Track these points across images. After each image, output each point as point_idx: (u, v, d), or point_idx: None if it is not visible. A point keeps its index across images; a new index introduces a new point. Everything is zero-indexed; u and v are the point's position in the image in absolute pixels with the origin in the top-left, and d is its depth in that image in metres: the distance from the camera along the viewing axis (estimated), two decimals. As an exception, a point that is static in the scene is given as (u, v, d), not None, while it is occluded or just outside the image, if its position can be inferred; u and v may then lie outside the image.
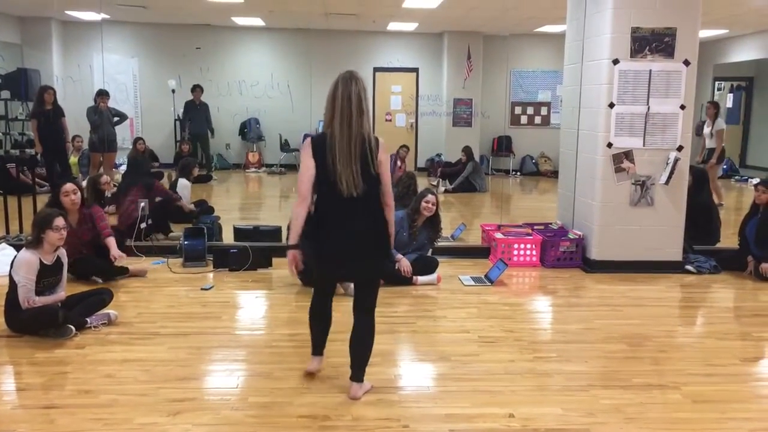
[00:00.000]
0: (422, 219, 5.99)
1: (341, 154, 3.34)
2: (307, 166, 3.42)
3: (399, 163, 11.87)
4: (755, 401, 3.72)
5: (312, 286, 5.47)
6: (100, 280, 5.69)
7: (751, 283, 6.15)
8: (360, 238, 3.46)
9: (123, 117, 11.21)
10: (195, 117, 12.98)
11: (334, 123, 3.39)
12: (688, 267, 6.44)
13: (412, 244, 5.98)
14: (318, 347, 3.86)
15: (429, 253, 6.25)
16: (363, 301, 3.61)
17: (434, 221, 6.08)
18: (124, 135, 14.09)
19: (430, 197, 5.97)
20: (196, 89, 13.10)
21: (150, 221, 7.02)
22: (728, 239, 7.29)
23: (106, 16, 12.66)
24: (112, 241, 5.66)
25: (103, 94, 10.72)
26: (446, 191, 11.72)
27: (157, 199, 7.53)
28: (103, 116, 10.56)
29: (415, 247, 6.00)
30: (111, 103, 11.25)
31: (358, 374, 3.61)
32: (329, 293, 3.82)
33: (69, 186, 5.61)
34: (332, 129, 3.39)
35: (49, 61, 13.24)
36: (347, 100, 3.37)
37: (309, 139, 3.48)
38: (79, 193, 5.63)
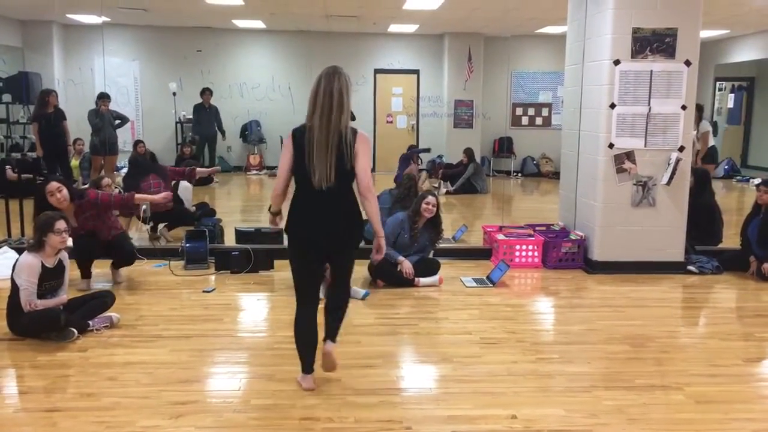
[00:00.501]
0: (423, 221, 5.98)
1: (318, 148, 3.42)
2: (287, 159, 3.56)
3: (412, 163, 11.87)
4: (758, 402, 3.71)
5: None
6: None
7: (753, 283, 6.15)
8: (331, 229, 3.57)
9: (124, 120, 11.22)
10: (204, 120, 13.04)
11: (314, 117, 3.45)
12: (690, 267, 6.43)
13: (414, 246, 5.97)
14: (310, 365, 3.76)
15: (430, 255, 6.25)
16: (337, 276, 3.83)
17: (435, 222, 6.07)
18: (125, 138, 14.09)
19: (430, 199, 5.96)
20: (206, 92, 13.20)
21: (151, 223, 7.02)
22: (730, 240, 7.28)
23: (107, 20, 12.68)
24: (142, 197, 5.98)
25: (104, 97, 10.74)
26: (447, 193, 11.72)
27: (174, 182, 7.63)
28: (104, 119, 10.58)
29: (416, 249, 5.99)
30: (112, 106, 11.26)
31: (331, 334, 3.79)
32: (313, 299, 3.74)
33: (52, 185, 5.39)
34: (312, 123, 3.46)
35: (50, 65, 13.25)
36: (328, 96, 3.43)
37: (291, 132, 3.57)
38: (64, 190, 5.41)
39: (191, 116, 13.70)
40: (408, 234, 5.93)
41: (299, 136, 3.51)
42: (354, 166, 3.49)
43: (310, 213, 3.57)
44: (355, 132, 3.51)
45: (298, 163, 3.51)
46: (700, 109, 10.19)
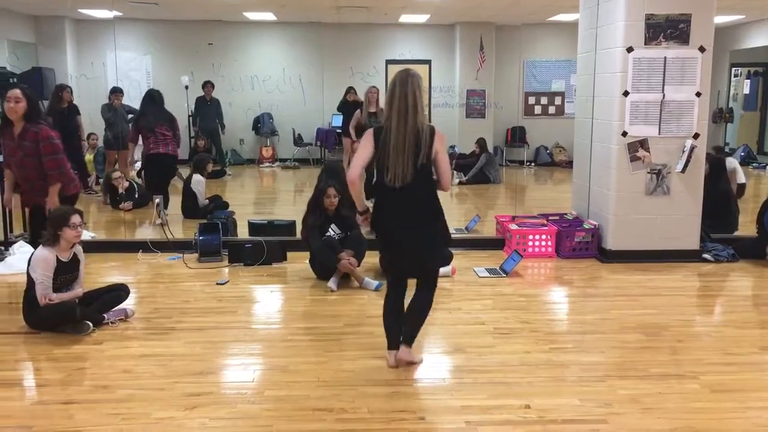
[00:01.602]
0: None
1: (394, 148, 3.63)
2: (365, 151, 3.73)
3: None
4: (775, 390, 3.69)
5: (326, 279, 5.54)
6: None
7: (769, 271, 6.09)
8: (408, 224, 3.73)
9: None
10: (206, 113, 12.99)
11: (392, 119, 3.67)
12: (706, 256, 6.38)
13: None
14: (394, 341, 3.93)
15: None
16: (425, 283, 3.93)
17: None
18: (138, 132, 14.17)
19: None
20: (207, 85, 13.11)
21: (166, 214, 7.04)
22: (745, 227, 7.21)
23: (119, 14, 12.70)
24: (53, 190, 5.08)
25: (117, 92, 10.79)
26: (460, 183, 11.67)
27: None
28: (117, 113, 10.63)
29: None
30: (125, 101, 11.31)
31: (409, 337, 3.91)
32: (402, 287, 3.94)
33: (12, 92, 4.97)
34: (390, 123, 3.67)
35: (63, 60, 13.31)
36: (403, 99, 3.64)
37: (371, 130, 3.78)
38: (23, 102, 4.97)
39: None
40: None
41: (378, 135, 3.71)
42: (431, 163, 3.70)
43: (393, 212, 3.76)
44: (432, 130, 3.69)
45: (378, 161, 3.73)
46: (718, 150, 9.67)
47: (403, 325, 3.93)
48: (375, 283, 5.52)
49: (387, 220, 3.79)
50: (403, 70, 3.75)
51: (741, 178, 9.32)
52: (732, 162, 9.23)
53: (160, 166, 8.23)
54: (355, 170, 3.73)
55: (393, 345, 3.93)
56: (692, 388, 3.66)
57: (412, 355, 3.93)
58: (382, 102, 10.42)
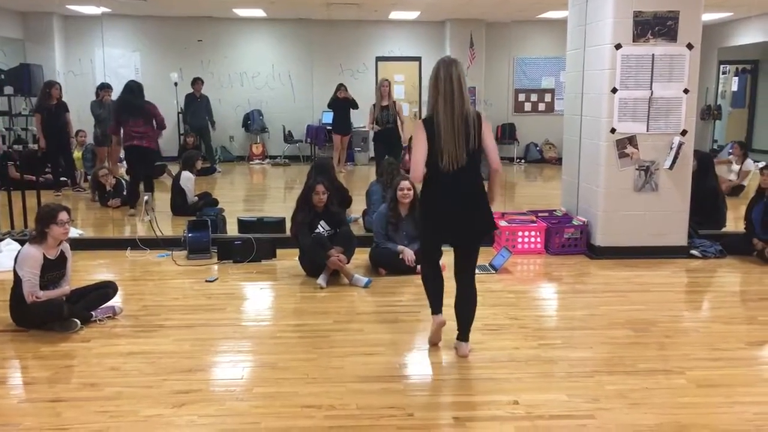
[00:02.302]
0: (405, 208, 5.86)
1: (446, 132, 3.66)
2: (421, 144, 3.72)
3: (408, 156, 11.82)
4: (761, 385, 3.71)
5: (315, 276, 5.54)
6: None
7: (757, 267, 6.13)
8: (464, 207, 3.79)
9: None
10: (195, 110, 12.91)
11: (439, 104, 3.69)
12: (693, 252, 6.42)
13: (402, 235, 5.89)
14: (438, 306, 4.07)
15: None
16: (466, 264, 4.01)
17: (414, 206, 5.81)
18: (127, 129, 14.09)
19: (403, 183, 5.81)
20: (197, 82, 13.02)
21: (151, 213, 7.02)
22: (733, 223, 7.26)
23: (107, 10, 12.61)
24: None
25: (105, 88, 10.72)
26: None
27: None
28: (107, 110, 10.56)
29: (410, 237, 5.89)
30: (113, 97, 11.24)
31: (464, 334, 4.03)
32: (437, 259, 4.14)
33: None
34: (437, 109, 3.70)
35: (51, 56, 13.22)
36: (449, 82, 3.67)
37: (421, 122, 3.76)
38: None
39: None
40: (393, 226, 5.86)
41: (430, 124, 3.71)
42: (481, 147, 3.76)
43: (444, 194, 3.77)
44: (479, 116, 3.76)
45: (431, 150, 3.71)
46: (743, 146, 9.86)
47: (459, 321, 4.04)
48: (364, 279, 5.52)
49: (440, 204, 3.81)
50: (445, 56, 3.79)
51: (747, 179, 9.59)
52: (749, 164, 9.72)
53: (139, 158, 8.37)
54: (418, 168, 3.74)
55: (437, 309, 4.08)
56: (679, 384, 3.68)
57: (467, 348, 4.04)
58: (394, 95, 10.58)
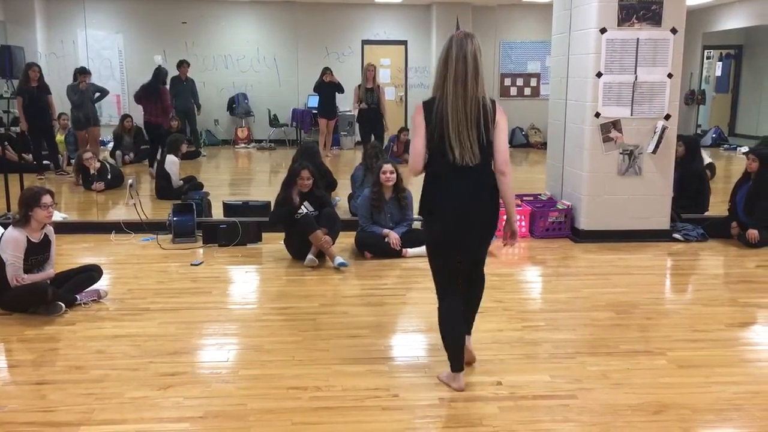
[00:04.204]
0: (388, 191, 5.88)
1: (455, 120, 3.12)
2: (420, 132, 3.20)
3: (395, 148, 11.86)
4: (739, 365, 3.78)
5: (301, 258, 5.54)
6: None
7: (737, 249, 6.21)
8: (475, 210, 3.24)
9: (104, 92, 11.12)
10: (181, 93, 12.78)
11: (447, 85, 3.14)
12: (676, 235, 6.48)
13: (387, 218, 5.91)
14: (460, 360, 3.39)
15: (419, 226, 6.25)
16: (473, 273, 3.51)
17: (398, 189, 5.89)
18: (110, 111, 13.98)
19: (386, 167, 5.82)
20: (183, 65, 12.85)
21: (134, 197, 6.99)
22: (716, 207, 7.34)
23: (89, -9, 12.49)
24: None
25: (84, 73, 10.60)
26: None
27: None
28: (83, 95, 10.46)
29: (395, 220, 5.93)
30: (96, 79, 11.14)
31: (469, 328, 3.59)
32: (456, 288, 3.43)
33: None
34: (444, 92, 3.15)
35: (32, 38, 13.07)
36: (462, 61, 3.13)
37: (420, 105, 3.24)
38: None
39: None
40: (378, 208, 5.88)
41: (430, 108, 3.18)
42: (492, 140, 3.21)
43: (451, 196, 3.21)
44: (494, 102, 3.24)
45: (432, 139, 3.17)
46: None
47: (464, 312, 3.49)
48: (339, 259, 5.50)
49: (448, 206, 3.23)
50: (460, 31, 3.23)
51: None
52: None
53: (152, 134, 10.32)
54: (417, 160, 3.21)
55: (459, 365, 3.39)
56: (660, 364, 3.74)
57: (471, 343, 3.60)
58: (379, 79, 10.87)
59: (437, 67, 3.24)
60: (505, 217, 3.44)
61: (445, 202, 3.23)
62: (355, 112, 11.10)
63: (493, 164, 3.26)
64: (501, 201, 3.35)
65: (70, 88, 10.56)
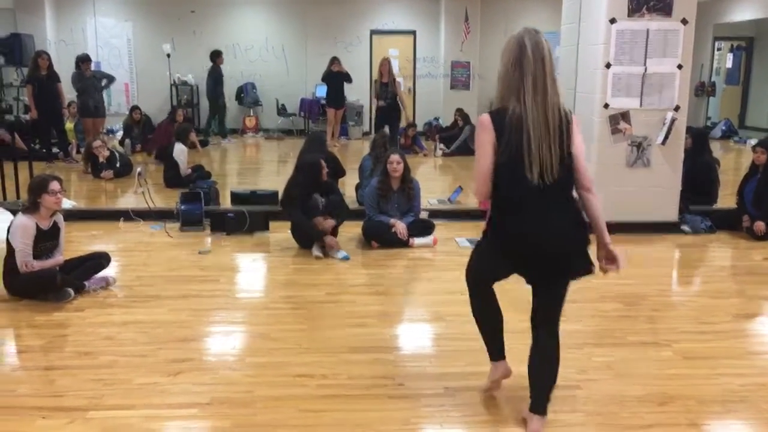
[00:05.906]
0: (396, 181, 5.89)
1: (536, 134, 2.65)
2: (488, 156, 2.72)
3: (402, 141, 11.83)
4: (746, 357, 3.77)
5: (308, 248, 5.56)
6: None
7: (745, 242, 6.18)
8: (556, 234, 2.79)
9: (111, 79, 11.15)
10: (220, 86, 13.01)
11: (524, 93, 2.67)
12: (684, 227, 6.46)
13: (394, 208, 5.92)
14: (497, 349, 3.22)
15: (426, 216, 6.27)
16: (547, 309, 3.02)
17: (405, 179, 5.91)
18: (119, 100, 14.02)
19: (393, 157, 5.84)
20: (220, 56, 13.03)
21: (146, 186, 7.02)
22: (724, 199, 7.30)
23: (99, -21, 12.51)
24: None
25: (85, 60, 10.58)
26: (444, 154, 11.68)
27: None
28: (87, 82, 10.46)
29: (402, 211, 5.94)
30: (105, 68, 11.14)
31: (538, 404, 2.94)
32: (489, 284, 3.17)
33: None
34: (521, 100, 2.67)
35: (42, 26, 13.10)
36: (540, 63, 2.68)
37: (487, 117, 2.74)
38: None
39: (185, 79, 13.67)
40: (385, 198, 5.89)
41: (501, 122, 2.70)
42: (571, 154, 2.74)
43: (529, 216, 2.75)
44: (568, 111, 2.77)
45: (503, 156, 2.70)
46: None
47: (532, 385, 2.98)
48: (342, 253, 5.53)
49: (523, 232, 2.78)
50: (528, 28, 2.82)
51: None
52: None
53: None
54: (484, 183, 2.75)
55: (497, 354, 3.22)
56: (666, 356, 3.74)
57: (544, 420, 2.95)
58: (394, 73, 10.80)
59: (504, 71, 2.75)
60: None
61: (521, 222, 2.77)
62: (375, 108, 10.95)
63: (574, 182, 2.82)
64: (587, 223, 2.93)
65: (74, 75, 10.57)
